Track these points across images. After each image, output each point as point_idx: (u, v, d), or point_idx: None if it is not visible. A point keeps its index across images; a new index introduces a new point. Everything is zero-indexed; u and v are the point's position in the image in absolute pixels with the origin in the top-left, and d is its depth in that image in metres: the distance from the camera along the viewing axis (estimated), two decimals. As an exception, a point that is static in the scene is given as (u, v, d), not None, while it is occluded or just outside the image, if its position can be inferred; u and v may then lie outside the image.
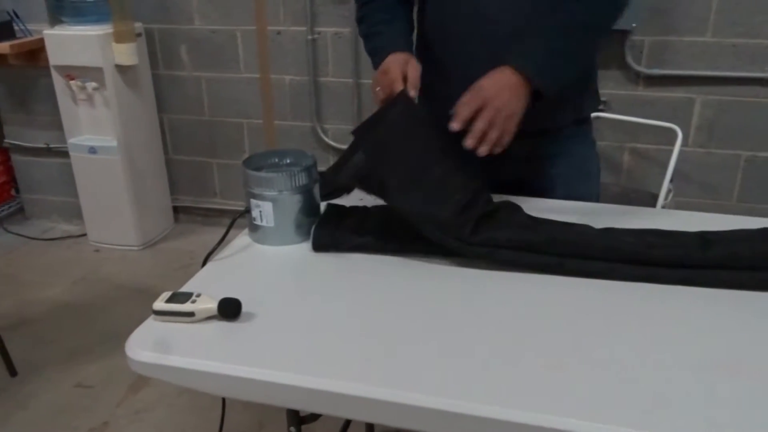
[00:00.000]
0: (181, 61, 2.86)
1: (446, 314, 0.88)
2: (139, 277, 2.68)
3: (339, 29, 2.62)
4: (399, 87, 1.09)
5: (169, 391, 1.97)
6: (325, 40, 2.66)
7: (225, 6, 2.72)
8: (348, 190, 1.20)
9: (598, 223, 1.05)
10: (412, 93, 1.10)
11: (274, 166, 1.15)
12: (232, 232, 1.08)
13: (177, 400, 1.96)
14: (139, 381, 2.01)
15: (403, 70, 1.12)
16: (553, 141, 1.26)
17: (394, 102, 1.09)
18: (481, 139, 1.04)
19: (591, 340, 0.82)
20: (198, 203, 3.12)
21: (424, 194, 1.03)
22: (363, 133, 1.08)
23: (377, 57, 1.18)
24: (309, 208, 1.08)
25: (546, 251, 0.98)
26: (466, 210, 1.04)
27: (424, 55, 1.32)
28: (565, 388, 0.73)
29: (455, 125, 1.04)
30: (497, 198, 1.12)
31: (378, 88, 1.13)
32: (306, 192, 1.07)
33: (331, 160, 2.84)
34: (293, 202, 1.06)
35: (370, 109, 2.70)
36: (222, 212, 3.05)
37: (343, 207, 1.15)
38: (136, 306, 0.89)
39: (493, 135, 1.04)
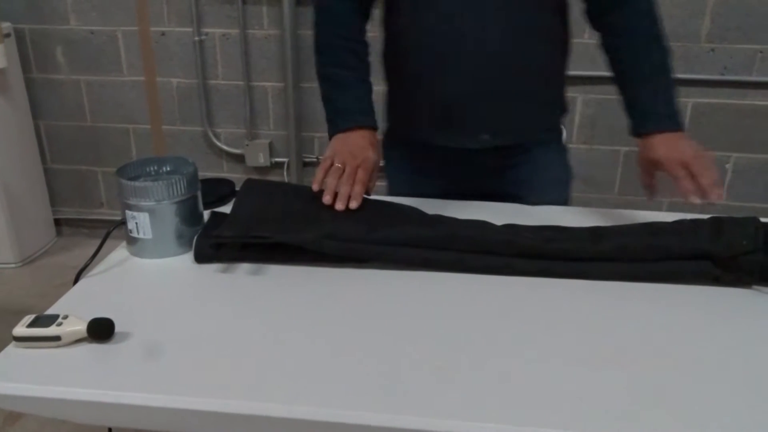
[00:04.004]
0: (58, 63, 2.68)
1: (336, 321, 0.86)
2: (16, 296, 2.48)
3: (227, 30, 2.54)
4: (347, 186, 1.07)
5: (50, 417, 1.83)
6: (212, 41, 2.57)
7: (103, 5, 2.57)
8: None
9: (494, 222, 1.05)
10: (362, 194, 1.09)
11: (153, 175, 1.09)
12: (111, 244, 1.01)
13: (61, 427, 1.83)
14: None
15: (363, 161, 1.11)
16: (524, 151, 1.25)
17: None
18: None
19: (481, 338, 0.82)
20: (82, 215, 2.93)
21: (307, 224, 1.01)
22: (241, 198, 1.12)
23: (341, 119, 1.17)
24: (190, 218, 1.03)
25: (445, 247, 0.98)
26: (356, 213, 1.03)
27: (389, 65, 1.27)
28: (450, 389, 0.72)
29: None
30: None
31: (336, 162, 1.10)
32: (186, 201, 1.02)
33: (225, 165, 2.75)
34: (172, 212, 1.00)
35: (262, 112, 2.65)
36: (109, 223, 2.86)
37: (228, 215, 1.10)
38: (11, 329, 0.82)
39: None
